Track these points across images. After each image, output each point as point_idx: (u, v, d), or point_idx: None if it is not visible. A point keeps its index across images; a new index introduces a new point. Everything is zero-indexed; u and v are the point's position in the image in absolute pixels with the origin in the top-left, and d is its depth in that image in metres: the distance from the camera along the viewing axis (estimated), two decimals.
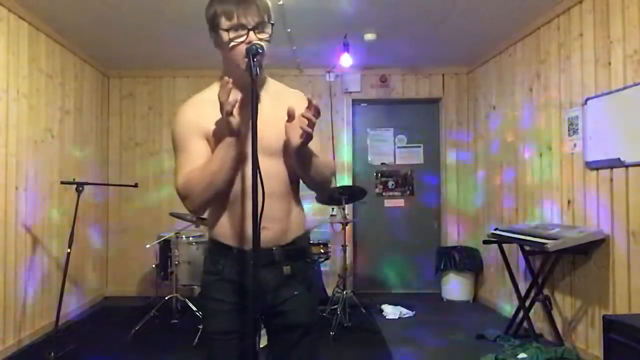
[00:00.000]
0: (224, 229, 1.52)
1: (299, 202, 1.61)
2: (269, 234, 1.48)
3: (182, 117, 1.53)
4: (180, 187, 1.46)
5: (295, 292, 1.54)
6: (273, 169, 1.49)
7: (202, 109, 1.50)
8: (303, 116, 1.37)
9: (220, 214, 1.53)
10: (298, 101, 1.50)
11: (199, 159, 1.45)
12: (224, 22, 1.42)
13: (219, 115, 1.41)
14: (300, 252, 1.59)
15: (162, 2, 3.71)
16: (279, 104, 1.50)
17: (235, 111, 1.38)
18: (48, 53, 4.25)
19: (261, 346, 1.68)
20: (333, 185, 1.61)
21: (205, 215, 1.63)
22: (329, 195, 4.41)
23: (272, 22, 1.47)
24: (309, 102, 1.37)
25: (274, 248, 1.51)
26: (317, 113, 1.37)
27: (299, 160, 1.47)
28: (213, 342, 1.54)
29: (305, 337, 1.56)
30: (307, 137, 1.39)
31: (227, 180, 1.44)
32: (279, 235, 1.51)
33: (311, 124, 1.36)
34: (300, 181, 1.62)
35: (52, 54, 4.33)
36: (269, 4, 1.49)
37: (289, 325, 1.55)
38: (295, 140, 1.40)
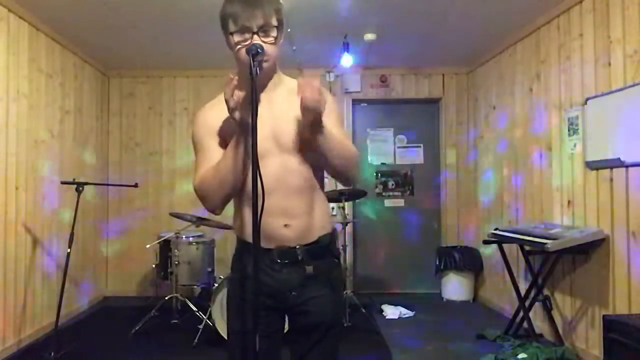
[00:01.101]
0: (247, 227, 1.52)
1: (323, 198, 1.60)
2: (291, 232, 1.49)
3: (200, 119, 1.57)
4: (196, 187, 1.50)
5: (319, 293, 1.54)
6: (293, 165, 1.50)
7: (220, 110, 1.51)
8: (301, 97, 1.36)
9: (243, 213, 1.54)
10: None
11: (215, 160, 1.48)
12: (231, 25, 1.46)
13: None
14: (325, 251, 1.58)
15: (162, 2, 3.71)
16: (295, 100, 1.51)
17: (244, 110, 1.39)
18: (48, 53, 4.25)
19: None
20: (358, 174, 1.58)
21: (218, 217, 1.64)
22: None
23: (276, 24, 1.47)
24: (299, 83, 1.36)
25: (297, 247, 1.50)
26: (311, 90, 1.34)
27: (317, 144, 1.44)
28: (235, 340, 1.55)
29: (326, 338, 1.55)
30: (313, 116, 1.36)
31: (239, 177, 1.45)
32: (302, 233, 1.50)
33: (311, 100, 1.33)
34: (325, 178, 1.61)
35: (52, 54, 4.33)
36: (279, 6, 1.49)
37: (310, 324, 1.54)
38: (306, 122, 1.39)
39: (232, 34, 1.45)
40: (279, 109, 1.51)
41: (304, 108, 1.36)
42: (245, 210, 1.53)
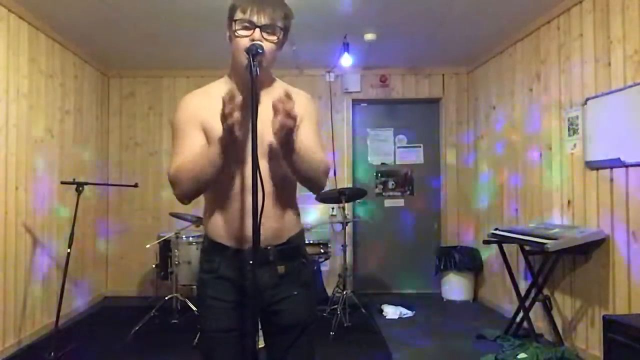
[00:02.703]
0: (220, 228, 1.53)
1: (294, 202, 1.63)
2: (263, 234, 1.48)
3: (183, 106, 1.56)
4: (171, 174, 1.49)
5: (292, 292, 1.56)
6: (270, 170, 1.51)
7: (205, 101, 1.53)
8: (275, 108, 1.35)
9: (216, 213, 1.54)
10: (300, 103, 1.51)
11: (193, 149, 1.47)
12: (238, 14, 1.46)
13: (219, 110, 1.42)
14: (295, 251, 1.60)
15: (162, 2, 3.71)
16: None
17: (237, 114, 1.39)
18: (48, 53, 4.25)
19: (259, 346, 1.69)
20: (327, 184, 1.58)
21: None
22: (324, 195, 4.42)
23: (282, 27, 1.48)
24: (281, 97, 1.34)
25: (268, 247, 1.52)
26: (286, 106, 1.32)
27: (285, 153, 1.44)
28: (210, 340, 1.55)
29: (302, 337, 1.57)
30: (283, 130, 1.35)
31: (215, 175, 1.45)
32: (274, 235, 1.53)
33: (285, 116, 1.32)
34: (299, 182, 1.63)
35: (52, 54, 4.33)
36: (289, 13, 1.51)
37: (285, 325, 1.56)
38: (274, 132, 1.38)
39: (235, 21, 1.46)
40: (265, 115, 1.49)
41: (277, 128, 1.35)
42: (218, 210, 1.54)
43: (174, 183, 1.48)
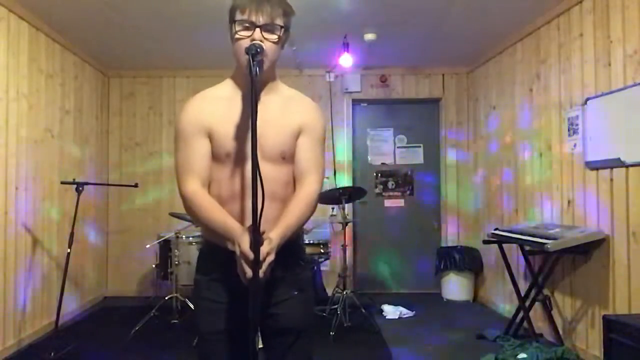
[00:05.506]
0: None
1: None
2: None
3: (186, 112, 1.54)
4: (183, 195, 1.52)
5: (288, 295, 1.54)
6: (270, 173, 1.50)
7: (208, 105, 1.53)
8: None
9: None
10: (306, 110, 1.55)
11: (198, 158, 1.49)
12: (237, 15, 1.46)
13: (224, 113, 1.47)
14: (293, 253, 1.57)
15: (162, 2, 3.71)
16: (286, 111, 1.53)
17: (238, 112, 1.39)
18: (48, 53, 4.25)
19: (259, 347, 1.69)
20: (318, 202, 1.65)
21: None
22: (324, 195, 4.42)
23: (282, 25, 1.47)
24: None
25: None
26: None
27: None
28: (205, 342, 1.55)
29: (299, 341, 1.55)
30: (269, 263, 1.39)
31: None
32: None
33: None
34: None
35: (52, 54, 4.33)
36: (289, 10, 1.50)
37: (281, 328, 1.55)
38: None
39: (235, 22, 1.46)
40: (268, 115, 1.50)
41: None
42: None
43: (184, 204, 1.52)
